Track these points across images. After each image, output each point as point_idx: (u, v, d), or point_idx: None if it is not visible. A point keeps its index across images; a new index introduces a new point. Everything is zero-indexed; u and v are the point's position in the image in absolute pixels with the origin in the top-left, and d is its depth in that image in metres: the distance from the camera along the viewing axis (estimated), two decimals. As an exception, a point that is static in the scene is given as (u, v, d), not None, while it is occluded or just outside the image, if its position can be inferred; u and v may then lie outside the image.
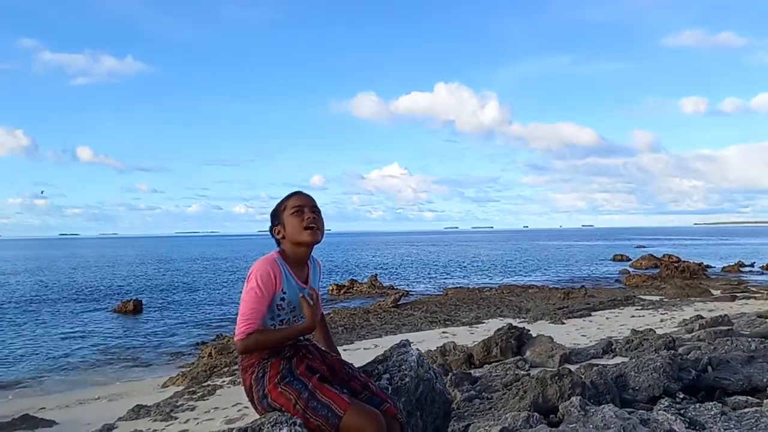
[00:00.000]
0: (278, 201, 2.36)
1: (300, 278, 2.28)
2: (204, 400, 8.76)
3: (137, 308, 21.73)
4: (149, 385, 10.81)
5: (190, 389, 9.60)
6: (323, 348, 2.41)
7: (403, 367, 2.48)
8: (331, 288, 26.25)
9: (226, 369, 10.96)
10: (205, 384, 9.92)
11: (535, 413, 4.82)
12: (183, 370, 11.67)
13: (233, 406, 8.09)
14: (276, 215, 2.33)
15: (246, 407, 7.91)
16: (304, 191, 2.35)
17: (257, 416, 6.59)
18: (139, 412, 8.18)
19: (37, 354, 14.28)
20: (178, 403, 8.58)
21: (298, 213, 2.24)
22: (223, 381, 10.00)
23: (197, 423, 7.37)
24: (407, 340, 2.67)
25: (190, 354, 13.82)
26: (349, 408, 2.04)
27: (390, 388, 2.37)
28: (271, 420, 2.02)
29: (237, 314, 2.24)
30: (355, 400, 2.09)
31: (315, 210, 2.27)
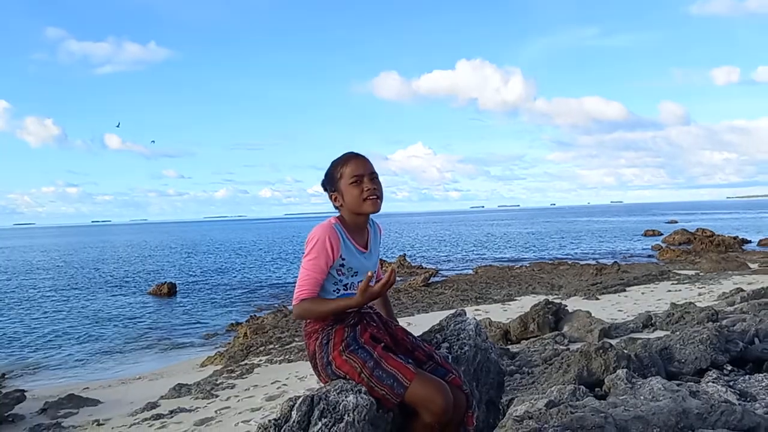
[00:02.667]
0: (333, 162, 2.27)
1: (360, 243, 2.24)
2: (242, 378, 8.89)
3: (172, 291, 22.15)
4: (188, 364, 11.02)
5: (228, 368, 9.75)
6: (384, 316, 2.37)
7: (462, 335, 2.44)
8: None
9: (262, 348, 11.09)
10: (243, 363, 10.06)
11: (581, 386, 4.77)
12: (220, 350, 11.86)
13: (272, 383, 8.18)
14: (332, 181, 2.25)
15: (285, 384, 8.01)
16: (359, 153, 2.24)
17: (296, 393, 6.62)
18: (180, 390, 8.33)
19: (78, 337, 14.65)
20: (217, 382, 8.72)
21: (357, 183, 2.17)
22: (260, 360, 10.12)
23: (238, 400, 7.47)
24: (463, 310, 2.62)
25: (225, 334, 14.03)
26: (415, 378, 2.00)
27: (450, 357, 2.34)
28: (336, 387, 2.01)
29: (291, 285, 2.22)
30: (420, 371, 2.06)
31: (373, 177, 2.20)
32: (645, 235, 44.29)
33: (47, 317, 17.95)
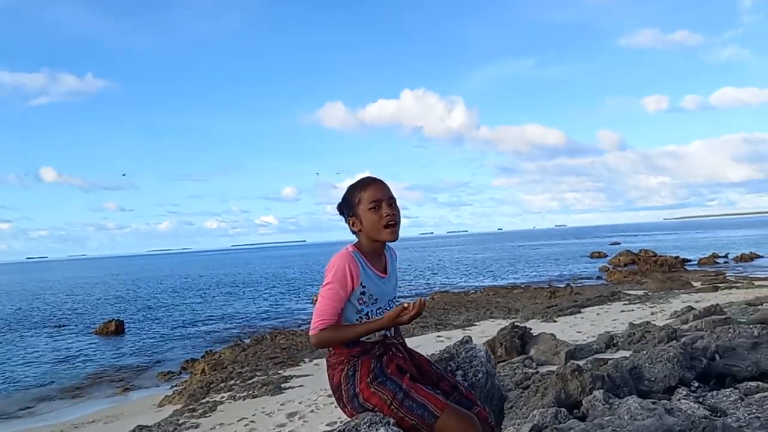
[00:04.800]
0: (350, 187, 2.27)
1: (378, 269, 2.24)
2: (206, 417, 8.58)
3: (119, 329, 21.22)
4: (144, 404, 10.54)
5: (189, 407, 9.39)
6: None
7: (474, 362, 2.45)
8: (315, 298, 26.12)
9: (223, 385, 10.76)
10: (204, 401, 9.71)
11: (562, 409, 4.83)
12: (177, 388, 11.41)
13: (239, 421, 7.93)
14: (349, 206, 2.25)
15: (252, 421, 7.78)
16: (376, 177, 2.26)
17: (266, 429, 6.41)
18: (141, 433, 7.97)
19: (21, 382, 13.84)
20: (179, 422, 8.39)
21: (376, 209, 2.17)
22: (222, 397, 9.81)
23: (205, 440, 7.21)
24: (469, 337, 2.63)
25: (180, 372, 13.53)
26: (446, 408, 2.00)
27: (466, 384, 2.33)
28: (365, 420, 1.97)
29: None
30: (449, 402, 2.06)
31: (392, 202, 2.20)
32: (592, 257, 45.60)
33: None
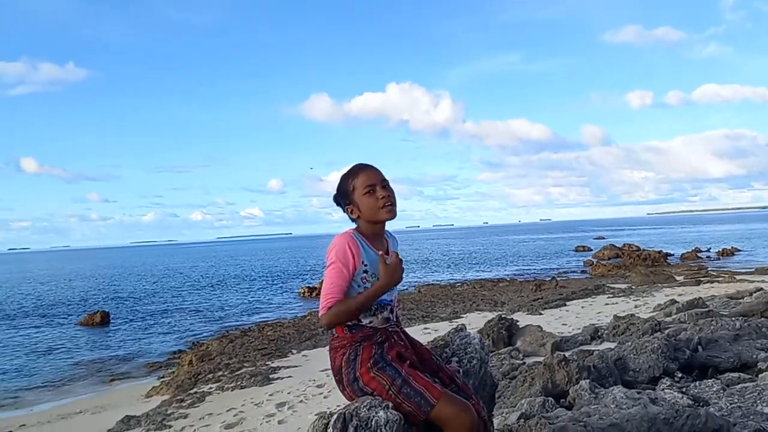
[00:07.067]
0: (343, 176, 2.30)
1: (379, 250, 2.24)
2: (195, 407, 8.59)
3: (105, 320, 21.11)
4: (131, 395, 10.52)
5: (177, 397, 9.39)
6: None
7: (469, 349, 2.50)
8: (302, 290, 26.15)
9: (210, 376, 10.75)
10: (192, 392, 9.72)
11: (549, 398, 4.93)
12: (165, 379, 11.40)
13: (227, 411, 7.95)
14: (345, 195, 2.28)
15: (241, 411, 7.81)
16: (366, 163, 2.29)
17: (255, 419, 6.44)
18: (129, 422, 7.97)
19: (6, 372, 13.73)
20: (168, 412, 8.39)
21: (371, 193, 2.20)
22: (211, 388, 9.82)
23: (194, 430, 7.22)
24: (463, 325, 2.69)
25: (167, 363, 13.50)
26: (442, 397, 2.04)
27: (461, 371, 2.39)
28: (365, 404, 2.01)
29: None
30: (446, 390, 2.10)
31: (385, 185, 2.24)
32: (576, 251, 46.00)
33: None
